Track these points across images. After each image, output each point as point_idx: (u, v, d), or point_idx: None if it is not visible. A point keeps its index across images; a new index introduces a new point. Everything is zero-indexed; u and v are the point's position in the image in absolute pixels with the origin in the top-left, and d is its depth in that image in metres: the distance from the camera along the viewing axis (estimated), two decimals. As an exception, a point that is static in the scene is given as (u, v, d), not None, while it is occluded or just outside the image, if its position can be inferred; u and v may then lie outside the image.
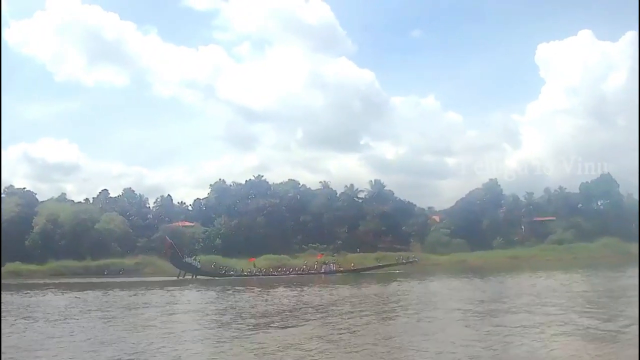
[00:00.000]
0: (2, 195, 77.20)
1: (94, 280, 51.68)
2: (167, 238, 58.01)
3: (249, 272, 53.88)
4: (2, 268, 61.06)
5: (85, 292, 34.24)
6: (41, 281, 50.97)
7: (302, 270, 54.14)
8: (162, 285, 40.54)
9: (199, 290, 34.64)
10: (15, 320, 19.31)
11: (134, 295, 31.15)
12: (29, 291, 35.65)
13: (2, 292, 35.23)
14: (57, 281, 50.34)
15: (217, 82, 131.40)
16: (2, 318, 19.34)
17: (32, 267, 64.93)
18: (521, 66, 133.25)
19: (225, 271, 54.33)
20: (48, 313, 21.48)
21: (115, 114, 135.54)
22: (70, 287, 40.19)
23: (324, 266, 54.99)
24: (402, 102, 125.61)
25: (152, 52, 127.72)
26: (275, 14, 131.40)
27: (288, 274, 52.52)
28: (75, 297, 30.36)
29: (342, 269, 54.21)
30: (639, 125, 58.92)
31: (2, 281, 52.91)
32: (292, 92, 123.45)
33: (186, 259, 53.74)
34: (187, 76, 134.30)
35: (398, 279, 39.59)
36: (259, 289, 33.25)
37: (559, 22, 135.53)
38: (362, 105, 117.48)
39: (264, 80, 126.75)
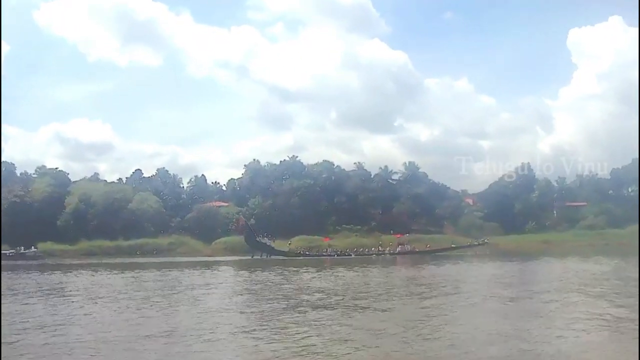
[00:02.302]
0: (34, 176, 77.10)
1: (140, 260, 51.22)
2: (242, 217, 57.42)
3: (325, 252, 53.79)
4: (35, 247, 60.79)
5: (135, 272, 33.21)
6: (76, 261, 50.43)
7: (379, 251, 54.02)
8: (210, 265, 39.79)
9: (252, 270, 32.84)
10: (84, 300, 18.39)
11: (191, 275, 30.34)
12: (74, 271, 34.89)
13: (40, 271, 34.98)
14: (94, 261, 49.82)
15: (250, 62, 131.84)
16: (65, 298, 19.08)
17: (64, 247, 64.61)
18: (553, 51, 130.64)
19: (302, 251, 53.89)
20: (124, 293, 20.53)
21: (149, 94, 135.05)
22: (112, 267, 39.30)
23: (399, 247, 55.07)
24: (436, 84, 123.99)
25: (185, 33, 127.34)
26: None
27: (365, 255, 52.92)
28: (132, 277, 29.63)
29: (417, 250, 54.41)
30: (638, 117, 58.74)
31: (37, 261, 52.58)
32: (326, 72, 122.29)
33: (261, 239, 53.08)
34: (221, 56, 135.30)
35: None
36: (333, 270, 32.68)
37: (590, 8, 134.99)
38: (395, 86, 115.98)
39: (297, 60, 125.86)
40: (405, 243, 57.34)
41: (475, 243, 56.89)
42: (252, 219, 69.88)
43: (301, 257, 50.63)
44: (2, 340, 10.78)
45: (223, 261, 46.98)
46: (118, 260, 51.36)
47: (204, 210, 70.76)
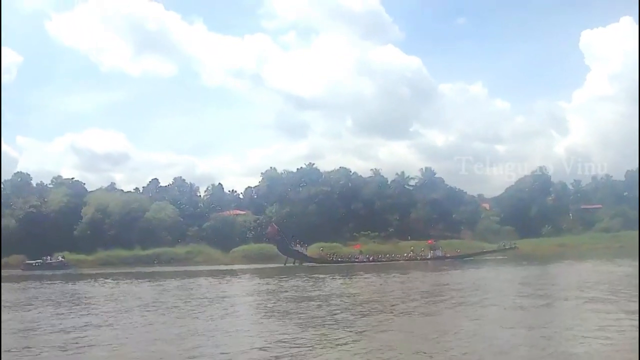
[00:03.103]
0: (50, 186, 77.10)
1: (162, 269, 50.98)
2: (274, 224, 57.09)
3: (357, 258, 53.95)
4: (52, 257, 60.85)
5: (162, 281, 32.96)
6: (96, 271, 50.27)
7: (410, 257, 54.40)
8: (235, 273, 39.70)
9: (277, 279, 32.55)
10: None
11: (217, 283, 30.13)
12: (100, 280, 34.67)
13: (65, 281, 34.94)
14: (115, 271, 49.41)
15: (264, 70, 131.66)
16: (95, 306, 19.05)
17: (81, 257, 64.48)
18: (566, 53, 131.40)
19: (333, 258, 53.98)
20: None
21: (163, 103, 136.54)
22: (137, 276, 39.17)
23: (431, 252, 55.41)
24: (450, 89, 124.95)
25: (198, 42, 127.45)
26: (321, 2, 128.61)
27: (397, 260, 53.11)
28: (157, 285, 29.45)
29: (448, 255, 54.75)
30: (638, 116, 58.52)
31: (64, 270, 52.19)
32: (340, 79, 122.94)
33: (294, 246, 53.09)
34: (234, 65, 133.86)
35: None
36: (370, 275, 32.68)
37: (601, 9, 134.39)
38: (410, 92, 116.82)
39: (311, 68, 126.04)
40: (437, 248, 57.40)
41: (505, 247, 57.25)
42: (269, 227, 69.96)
43: (334, 264, 50.39)
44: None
45: (248, 269, 46.33)
46: (139, 269, 51.04)
47: (221, 219, 70.72)
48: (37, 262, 55.84)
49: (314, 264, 50.29)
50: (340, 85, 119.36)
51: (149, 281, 32.84)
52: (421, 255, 55.28)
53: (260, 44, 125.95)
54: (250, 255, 65.99)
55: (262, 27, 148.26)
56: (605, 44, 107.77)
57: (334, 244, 64.67)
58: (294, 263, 51.42)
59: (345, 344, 10.99)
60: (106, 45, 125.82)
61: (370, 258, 54.70)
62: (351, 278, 31.04)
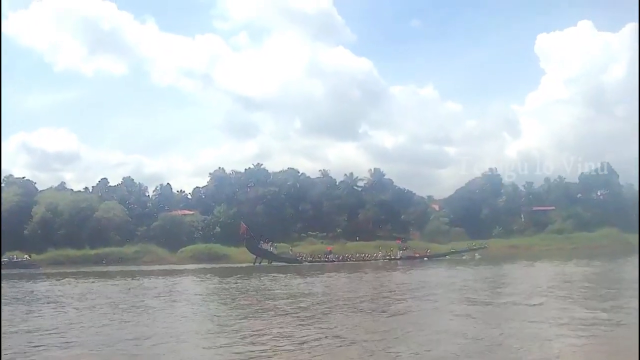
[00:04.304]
0: (2, 185, 77.20)
1: (112, 269, 51.39)
2: (243, 224, 57.21)
3: (327, 259, 54.96)
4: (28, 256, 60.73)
5: (120, 280, 33.90)
6: (50, 270, 50.60)
7: (378, 257, 55.43)
8: (188, 273, 40.87)
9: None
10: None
11: (174, 283, 31.15)
12: (53, 280, 35.10)
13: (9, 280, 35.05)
14: (68, 270, 49.71)
15: (215, 71, 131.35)
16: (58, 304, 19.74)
17: (32, 256, 64.74)
18: (521, 56, 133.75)
19: (303, 257, 54.82)
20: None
21: (114, 103, 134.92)
22: (95, 275, 39.66)
23: (400, 252, 56.28)
24: (401, 91, 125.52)
25: (150, 42, 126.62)
26: (273, 3, 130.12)
27: (366, 260, 54.28)
28: (117, 284, 30.33)
29: (417, 255, 55.94)
30: (639, 116, 59.16)
31: (31, 270, 52.49)
32: (290, 80, 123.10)
33: (263, 245, 53.64)
34: (185, 65, 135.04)
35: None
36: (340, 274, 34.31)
37: (559, 13, 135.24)
38: (360, 93, 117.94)
39: (262, 69, 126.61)
40: (406, 248, 58.76)
41: (475, 247, 58.56)
42: (217, 227, 70.26)
43: (304, 263, 51.46)
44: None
45: (209, 269, 46.97)
46: (91, 269, 51.40)
47: (169, 219, 70.89)
48: (4, 261, 55.79)
49: (284, 264, 51.02)
50: (290, 86, 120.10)
51: (105, 280, 33.65)
52: (391, 254, 55.98)
53: (211, 44, 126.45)
54: (198, 255, 66.50)
55: (214, 28, 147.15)
56: (562, 48, 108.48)
57: (282, 244, 65.15)
58: (261, 263, 51.93)
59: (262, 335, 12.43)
60: (61, 44, 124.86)
61: (340, 258, 55.66)
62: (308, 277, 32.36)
